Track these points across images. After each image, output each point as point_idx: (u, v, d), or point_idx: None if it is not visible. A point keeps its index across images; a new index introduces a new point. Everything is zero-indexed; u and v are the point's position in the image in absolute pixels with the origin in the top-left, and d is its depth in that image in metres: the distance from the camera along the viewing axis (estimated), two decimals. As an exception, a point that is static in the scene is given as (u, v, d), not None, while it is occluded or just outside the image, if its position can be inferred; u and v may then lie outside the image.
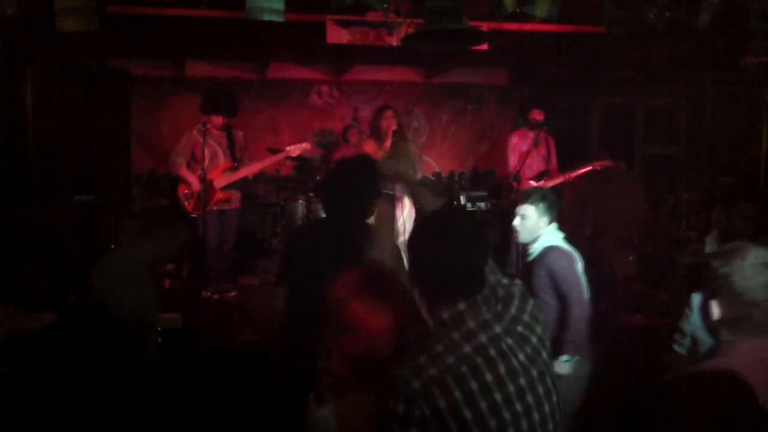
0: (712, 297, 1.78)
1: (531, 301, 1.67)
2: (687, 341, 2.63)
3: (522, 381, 1.55)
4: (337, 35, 5.34)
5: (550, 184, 6.05)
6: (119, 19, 4.70)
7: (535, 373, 1.57)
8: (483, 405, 1.49)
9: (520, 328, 1.60)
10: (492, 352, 1.53)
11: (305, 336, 1.92)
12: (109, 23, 3.80)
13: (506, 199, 6.58)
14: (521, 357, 1.56)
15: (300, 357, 2.27)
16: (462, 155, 8.75)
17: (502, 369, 1.53)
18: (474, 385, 1.49)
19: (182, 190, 5.53)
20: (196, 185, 5.41)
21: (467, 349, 1.52)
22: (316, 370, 1.72)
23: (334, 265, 1.95)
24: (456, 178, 8.35)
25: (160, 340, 3.34)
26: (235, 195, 5.69)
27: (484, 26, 4.95)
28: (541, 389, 1.57)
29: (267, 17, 3.35)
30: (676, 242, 6.20)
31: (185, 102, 7.24)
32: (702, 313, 1.90)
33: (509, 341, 1.57)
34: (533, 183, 6.02)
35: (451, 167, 8.56)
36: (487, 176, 8.27)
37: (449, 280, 1.59)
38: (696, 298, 2.63)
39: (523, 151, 6.00)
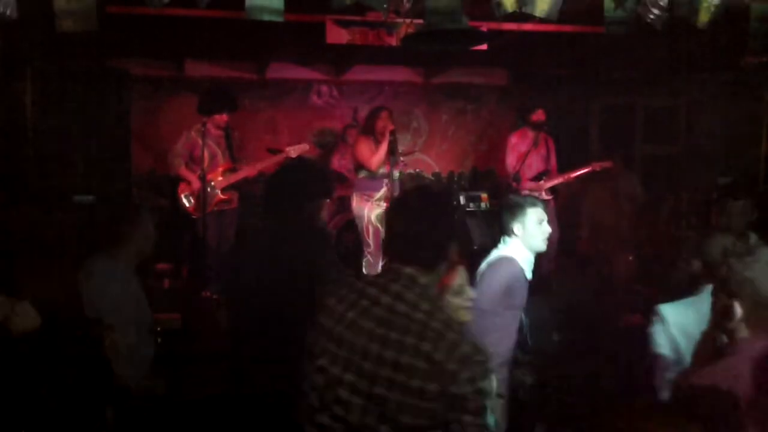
0: (731, 298, 1.84)
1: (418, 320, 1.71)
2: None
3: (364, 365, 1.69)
4: (336, 35, 5.33)
5: (549, 184, 6.06)
6: (119, 19, 4.69)
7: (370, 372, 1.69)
8: (330, 344, 1.74)
9: (394, 334, 1.69)
10: (361, 320, 1.73)
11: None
12: (108, 23, 3.79)
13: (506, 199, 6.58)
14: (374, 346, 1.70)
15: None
16: (462, 155, 8.75)
17: (361, 338, 1.71)
18: (334, 319, 1.76)
19: (182, 191, 5.53)
20: (196, 184, 5.41)
21: (353, 296, 1.78)
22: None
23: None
24: (455, 178, 8.35)
25: (159, 340, 3.34)
26: (234, 195, 5.69)
27: (484, 26, 4.95)
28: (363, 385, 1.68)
29: (267, 17, 3.35)
30: (676, 242, 6.20)
31: (185, 102, 7.22)
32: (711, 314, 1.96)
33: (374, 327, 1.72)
34: (533, 183, 6.02)
35: (451, 167, 8.56)
36: (486, 176, 8.26)
37: (400, 245, 1.79)
38: (668, 309, 2.58)
39: (522, 151, 6.00)
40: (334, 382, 1.72)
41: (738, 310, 1.84)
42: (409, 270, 1.75)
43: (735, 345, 1.86)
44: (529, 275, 3.10)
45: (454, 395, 1.63)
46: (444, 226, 1.81)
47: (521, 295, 3.01)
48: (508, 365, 3.01)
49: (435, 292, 1.78)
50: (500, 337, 2.91)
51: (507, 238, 3.13)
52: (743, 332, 1.84)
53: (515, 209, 3.10)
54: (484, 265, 3.12)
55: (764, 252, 1.83)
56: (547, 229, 3.10)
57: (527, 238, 3.08)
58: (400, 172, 5.52)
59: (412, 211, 1.82)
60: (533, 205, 3.11)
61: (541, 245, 3.09)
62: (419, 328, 1.67)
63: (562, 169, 6.18)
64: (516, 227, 3.08)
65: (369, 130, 5.34)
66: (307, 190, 2.83)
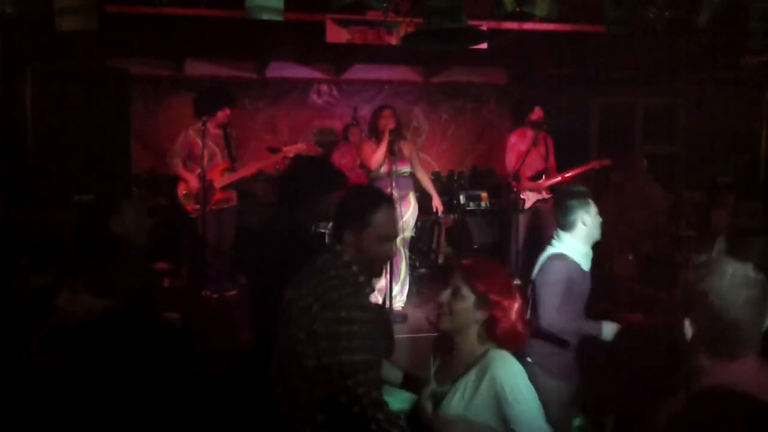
0: (685, 315, 1.63)
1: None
2: None
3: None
4: (336, 34, 5.33)
5: (548, 183, 6.05)
6: (118, 18, 4.69)
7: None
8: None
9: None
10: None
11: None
12: (108, 22, 3.80)
13: (505, 199, 6.58)
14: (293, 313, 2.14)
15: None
16: (461, 154, 8.75)
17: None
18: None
19: (182, 190, 5.53)
20: (194, 183, 5.41)
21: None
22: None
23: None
24: (455, 177, 8.35)
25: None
26: (233, 193, 5.70)
27: (484, 25, 4.95)
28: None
29: (266, 16, 3.35)
30: (676, 242, 6.20)
31: (185, 101, 7.19)
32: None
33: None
34: (533, 182, 6.02)
35: (451, 166, 8.56)
36: (486, 175, 8.27)
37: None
38: None
39: (522, 150, 5.99)
40: (285, 335, 2.16)
41: (688, 329, 1.61)
42: (336, 244, 2.22)
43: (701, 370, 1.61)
44: (586, 267, 3.05)
45: (320, 333, 2.01)
46: (346, 209, 2.25)
47: (579, 291, 2.98)
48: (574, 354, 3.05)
49: (346, 258, 2.16)
50: (564, 333, 2.96)
51: (562, 233, 3.05)
52: (702, 358, 1.61)
53: (581, 199, 3.04)
54: (536, 267, 3.08)
55: (724, 264, 1.59)
56: (600, 219, 3.08)
57: (591, 229, 3.02)
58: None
59: (342, 201, 2.33)
60: (590, 195, 3.08)
61: (599, 235, 3.07)
62: (316, 284, 2.11)
63: (562, 168, 6.18)
64: (584, 218, 3.00)
65: (373, 130, 5.36)
66: (319, 184, 2.92)
